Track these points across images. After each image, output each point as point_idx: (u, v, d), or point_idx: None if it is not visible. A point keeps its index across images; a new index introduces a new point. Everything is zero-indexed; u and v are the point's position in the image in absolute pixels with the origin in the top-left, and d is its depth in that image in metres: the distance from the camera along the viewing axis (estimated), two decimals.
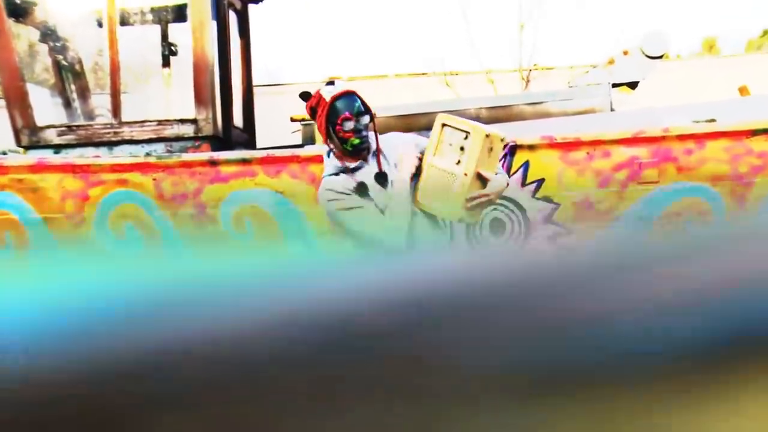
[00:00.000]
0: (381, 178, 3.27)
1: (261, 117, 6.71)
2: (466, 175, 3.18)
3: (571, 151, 4.92)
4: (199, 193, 5.08)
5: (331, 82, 3.34)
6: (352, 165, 3.29)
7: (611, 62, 5.73)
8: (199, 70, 5.48)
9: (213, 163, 5.08)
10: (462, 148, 3.20)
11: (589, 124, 5.26)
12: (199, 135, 5.49)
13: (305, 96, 3.38)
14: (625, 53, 5.73)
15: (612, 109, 5.69)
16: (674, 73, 16.64)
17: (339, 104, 3.23)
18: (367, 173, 3.30)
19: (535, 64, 18.52)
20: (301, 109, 6.04)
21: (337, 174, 3.30)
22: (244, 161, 5.06)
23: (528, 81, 17.77)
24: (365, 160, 3.32)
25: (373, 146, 3.34)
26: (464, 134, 3.21)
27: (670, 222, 4.86)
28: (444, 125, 3.27)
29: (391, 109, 5.72)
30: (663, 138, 4.87)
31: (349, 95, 3.25)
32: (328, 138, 3.30)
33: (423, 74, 18.19)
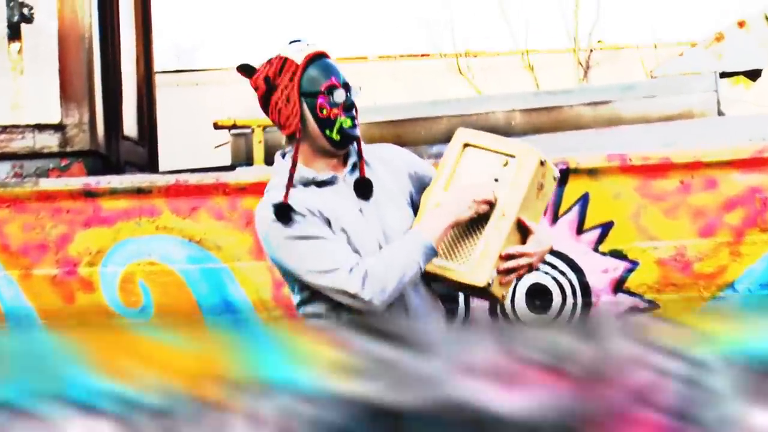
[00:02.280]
0: (363, 188, 3.30)
1: (167, 121, 6.69)
2: (503, 216, 3.20)
3: (655, 177, 4.93)
4: (67, 242, 5.06)
5: (296, 41, 3.37)
6: (322, 177, 3.30)
7: (719, 39, 5.78)
8: (68, 47, 5.48)
9: (90, 194, 5.06)
10: (497, 180, 3.24)
11: (685, 137, 5.27)
12: (68, 150, 5.48)
13: (247, 70, 3.39)
14: (741, 25, 5.78)
15: (720, 113, 5.70)
16: None
17: (316, 69, 3.29)
18: (342, 193, 3.31)
19: (599, 41, 18.65)
20: (229, 111, 6.04)
21: (294, 186, 3.29)
22: (140, 192, 5.05)
23: (587, 67, 17.89)
24: (338, 170, 3.33)
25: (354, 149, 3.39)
26: (503, 160, 3.25)
27: None
28: (467, 145, 3.30)
29: (370, 112, 5.72)
30: None
31: (327, 59, 3.33)
32: (287, 126, 3.30)
33: (423, 56, 18.32)
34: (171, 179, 5.12)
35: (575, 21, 18.69)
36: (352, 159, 3.37)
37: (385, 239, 3.26)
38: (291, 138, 3.33)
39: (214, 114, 5.81)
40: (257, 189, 4.91)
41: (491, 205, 3.21)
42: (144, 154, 6.38)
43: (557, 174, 3.32)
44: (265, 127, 5.37)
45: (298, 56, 3.29)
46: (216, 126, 5.56)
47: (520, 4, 31.76)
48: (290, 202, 3.22)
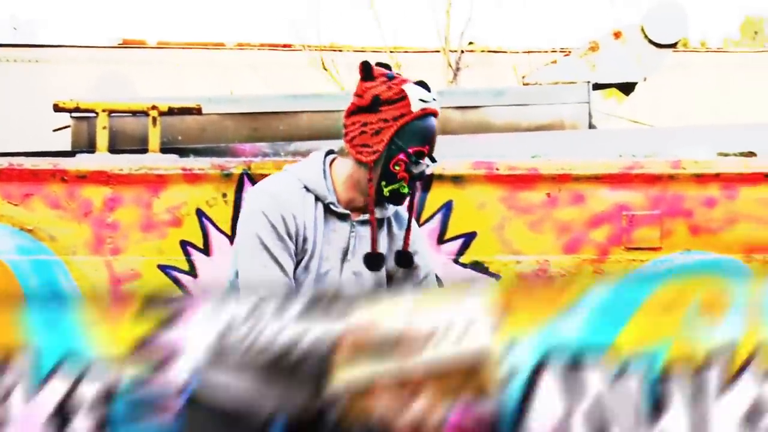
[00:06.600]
0: (373, 261, 3.41)
1: (1, 100, 6.61)
2: None
3: (521, 189, 5.00)
4: None
5: (422, 83, 3.45)
6: (337, 208, 3.40)
7: (594, 49, 5.91)
8: None
9: None
10: None
11: (554, 148, 5.35)
12: None
13: (368, 70, 3.40)
14: (617, 36, 5.92)
15: (591, 126, 5.81)
16: (696, 71, 17.24)
17: (422, 127, 3.38)
18: (341, 230, 3.40)
19: (470, 43, 18.82)
20: (72, 92, 5.91)
21: (307, 189, 3.37)
22: None
23: (458, 70, 18.06)
24: (356, 212, 3.44)
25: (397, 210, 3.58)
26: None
27: (665, 314, 4.83)
28: None
29: (226, 102, 5.71)
30: (671, 178, 5.00)
31: (434, 120, 3.42)
32: (359, 152, 3.36)
33: (285, 47, 18.29)
34: (3, 162, 5.04)
35: (447, 19, 18.80)
36: (378, 214, 3.48)
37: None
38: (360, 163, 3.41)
39: (55, 94, 5.72)
40: (99, 178, 4.94)
41: None
42: None
43: None
44: (111, 112, 5.33)
45: (418, 104, 3.37)
46: (56, 108, 5.45)
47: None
48: (291, 199, 3.31)
